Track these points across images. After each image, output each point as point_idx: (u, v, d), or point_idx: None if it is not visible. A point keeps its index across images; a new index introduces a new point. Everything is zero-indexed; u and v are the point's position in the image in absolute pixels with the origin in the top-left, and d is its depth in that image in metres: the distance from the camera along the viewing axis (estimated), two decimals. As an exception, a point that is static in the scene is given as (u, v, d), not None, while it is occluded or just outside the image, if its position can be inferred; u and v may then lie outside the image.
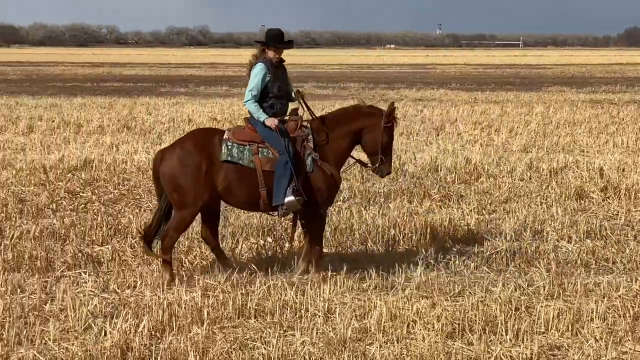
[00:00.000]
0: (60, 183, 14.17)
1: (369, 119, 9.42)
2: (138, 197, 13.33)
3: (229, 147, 8.88)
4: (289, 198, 8.84)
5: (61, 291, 8.29)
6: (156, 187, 9.18)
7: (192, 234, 10.31)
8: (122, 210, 12.32)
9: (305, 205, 8.96)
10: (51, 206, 12.48)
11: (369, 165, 9.70)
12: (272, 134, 8.95)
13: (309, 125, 9.36)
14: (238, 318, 7.85)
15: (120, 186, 14.13)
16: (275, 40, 9.29)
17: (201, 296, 8.21)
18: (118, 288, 8.63)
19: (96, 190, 13.76)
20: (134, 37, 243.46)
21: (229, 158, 8.85)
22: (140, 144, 19.22)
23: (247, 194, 8.92)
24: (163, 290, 8.45)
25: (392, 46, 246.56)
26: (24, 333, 7.31)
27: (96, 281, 8.84)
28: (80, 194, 13.50)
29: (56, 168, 15.41)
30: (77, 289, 8.56)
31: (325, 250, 9.96)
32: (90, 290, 8.49)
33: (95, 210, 12.26)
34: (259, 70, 9.22)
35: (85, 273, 9.11)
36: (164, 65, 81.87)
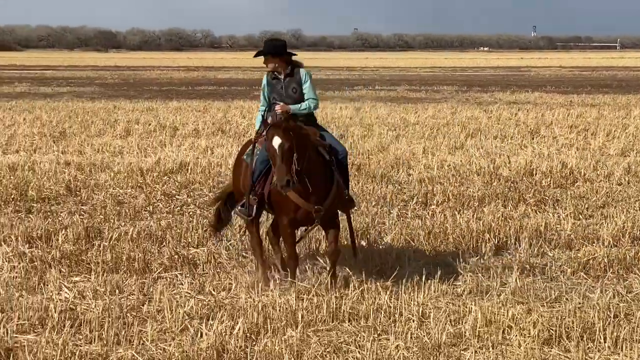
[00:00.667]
0: (157, 186, 14.42)
1: None
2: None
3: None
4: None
5: (158, 292, 8.43)
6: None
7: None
8: (217, 213, 12.45)
9: None
10: (148, 208, 12.72)
11: None
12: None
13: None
14: (332, 321, 7.86)
15: (215, 189, 14.30)
16: (260, 53, 9.23)
17: (295, 299, 8.25)
18: (213, 290, 8.73)
19: (191, 193, 13.96)
20: (228, 41, 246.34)
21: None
22: (234, 147, 19.42)
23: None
24: (257, 293, 8.52)
25: (486, 49, 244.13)
26: (123, 333, 7.45)
27: (192, 283, 8.95)
28: (176, 196, 13.72)
29: (152, 171, 15.70)
30: (173, 290, 8.69)
31: (419, 254, 9.98)
32: (187, 292, 8.61)
33: (190, 213, 12.44)
34: (263, 82, 9.31)
35: (181, 275, 9.25)
36: (257, 68, 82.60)
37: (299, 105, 9.04)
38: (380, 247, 10.54)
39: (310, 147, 8.53)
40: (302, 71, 9.24)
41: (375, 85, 49.89)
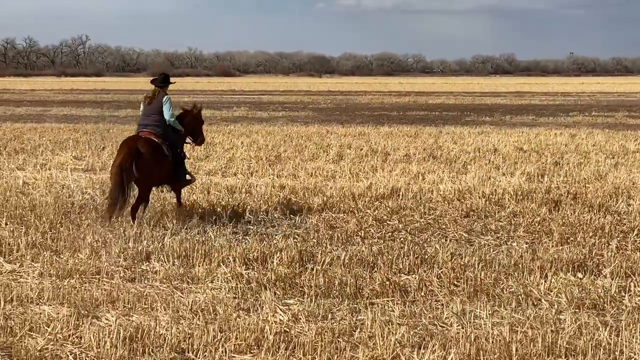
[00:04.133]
0: (369, 211, 14.52)
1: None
2: (444, 226, 13.37)
3: None
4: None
5: (370, 319, 8.44)
6: None
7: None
8: (429, 240, 12.40)
9: None
10: (360, 233, 12.81)
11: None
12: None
13: None
14: (547, 356, 7.61)
15: (427, 215, 14.25)
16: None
17: (509, 331, 8.05)
18: (424, 318, 8.66)
19: (403, 219, 13.96)
20: (440, 66, 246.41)
21: None
22: (445, 174, 19.33)
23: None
24: (469, 323, 8.38)
25: None
26: (335, 358, 7.50)
27: (403, 310, 8.92)
28: (388, 222, 13.75)
29: (364, 196, 15.83)
30: (384, 317, 8.68)
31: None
32: (398, 319, 8.58)
33: (402, 239, 12.43)
34: (169, 99, 13.60)
35: (392, 301, 9.23)
36: (469, 94, 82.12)
37: None
38: (598, 280, 10.12)
39: None
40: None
41: (591, 111, 48.39)
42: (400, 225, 13.46)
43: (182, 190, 14.45)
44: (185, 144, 14.14)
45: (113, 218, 12.65)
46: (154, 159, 12.90)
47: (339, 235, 12.57)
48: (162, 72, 13.94)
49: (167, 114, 13.39)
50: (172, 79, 13.78)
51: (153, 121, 13.38)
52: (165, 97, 13.43)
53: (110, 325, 8.16)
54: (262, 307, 8.93)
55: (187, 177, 13.98)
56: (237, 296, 9.40)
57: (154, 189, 13.69)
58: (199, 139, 14.41)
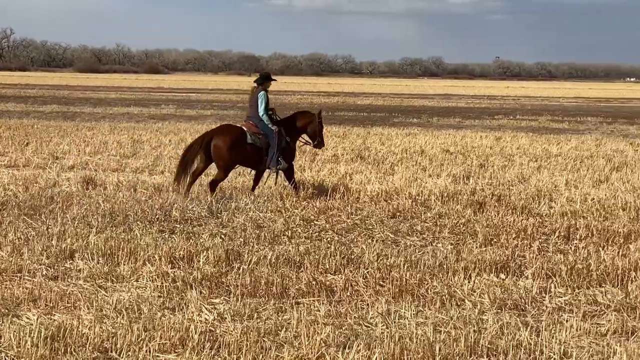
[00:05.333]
0: (296, 210, 14.54)
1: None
2: (371, 227, 13.45)
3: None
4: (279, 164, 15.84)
5: (295, 318, 8.46)
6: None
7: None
8: (355, 240, 12.47)
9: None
10: (287, 233, 12.82)
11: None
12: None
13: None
14: (470, 355, 7.71)
15: (354, 215, 14.32)
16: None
17: (432, 331, 8.14)
18: (349, 318, 8.70)
19: (330, 219, 14.00)
20: (369, 68, 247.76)
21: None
22: (373, 174, 19.45)
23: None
24: (394, 323, 8.45)
25: (633, 79, 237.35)
26: (260, 357, 7.50)
27: (329, 310, 8.95)
28: (315, 221, 13.79)
29: (292, 196, 15.85)
30: (310, 316, 8.70)
31: (560, 289, 9.76)
32: (324, 319, 8.61)
33: (328, 239, 12.47)
34: (266, 96, 15.80)
35: (318, 301, 9.25)
36: (397, 95, 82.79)
37: None
38: (520, 281, 10.30)
39: None
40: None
41: (516, 114, 49.20)
42: (327, 225, 13.50)
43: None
44: (302, 144, 16.56)
45: (179, 189, 15.56)
46: (228, 146, 15.48)
47: (266, 234, 12.56)
48: (264, 71, 16.48)
49: (260, 109, 15.72)
50: (273, 77, 16.26)
51: (252, 113, 15.90)
52: (261, 93, 15.75)
53: (32, 324, 8.02)
54: (188, 306, 8.89)
55: (279, 166, 15.88)
56: (162, 295, 9.33)
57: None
58: (316, 142, 16.37)
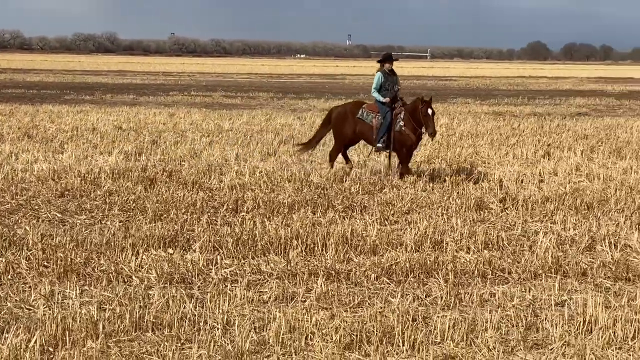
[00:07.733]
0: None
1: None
2: (37, 207, 13.03)
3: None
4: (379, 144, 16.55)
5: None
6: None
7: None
8: (19, 221, 12.03)
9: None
10: (-55, 217, 12.11)
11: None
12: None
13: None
14: (135, 331, 7.73)
15: (18, 196, 13.80)
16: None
17: (97, 309, 8.06)
18: (9, 302, 8.41)
19: (-7, 201, 13.40)
20: (39, 43, 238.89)
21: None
22: (41, 153, 18.86)
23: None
24: (57, 304, 8.27)
25: (303, 56, 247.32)
26: None
27: (-12, 294, 8.58)
28: (-24, 204, 13.14)
29: None
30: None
31: (227, 261, 10.02)
32: (-19, 304, 8.25)
33: (-9, 221, 11.94)
34: (378, 75, 16.75)
35: (-23, 286, 8.85)
36: (69, 72, 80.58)
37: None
38: (188, 254, 10.44)
39: None
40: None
41: (191, 90, 49.59)
42: (-11, 207, 12.91)
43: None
44: (423, 135, 16.39)
45: (302, 153, 18.23)
46: (340, 122, 16.94)
47: None
48: (385, 53, 17.44)
49: (372, 88, 16.83)
50: (394, 56, 17.30)
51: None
52: (377, 74, 16.76)
53: None
54: None
55: (380, 145, 16.56)
56: None
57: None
58: (428, 130, 15.96)
